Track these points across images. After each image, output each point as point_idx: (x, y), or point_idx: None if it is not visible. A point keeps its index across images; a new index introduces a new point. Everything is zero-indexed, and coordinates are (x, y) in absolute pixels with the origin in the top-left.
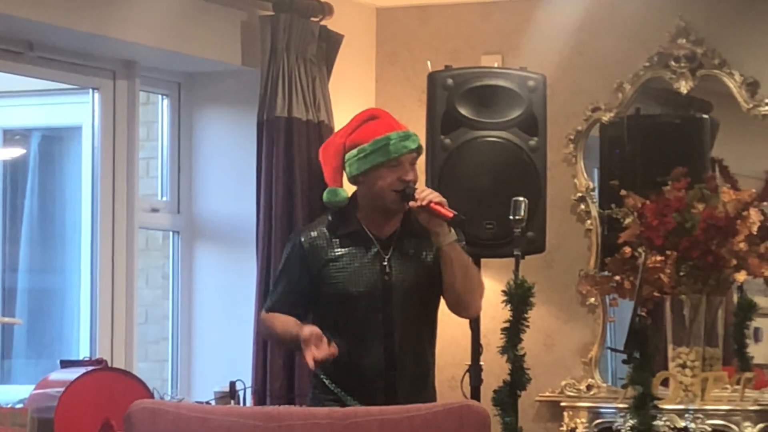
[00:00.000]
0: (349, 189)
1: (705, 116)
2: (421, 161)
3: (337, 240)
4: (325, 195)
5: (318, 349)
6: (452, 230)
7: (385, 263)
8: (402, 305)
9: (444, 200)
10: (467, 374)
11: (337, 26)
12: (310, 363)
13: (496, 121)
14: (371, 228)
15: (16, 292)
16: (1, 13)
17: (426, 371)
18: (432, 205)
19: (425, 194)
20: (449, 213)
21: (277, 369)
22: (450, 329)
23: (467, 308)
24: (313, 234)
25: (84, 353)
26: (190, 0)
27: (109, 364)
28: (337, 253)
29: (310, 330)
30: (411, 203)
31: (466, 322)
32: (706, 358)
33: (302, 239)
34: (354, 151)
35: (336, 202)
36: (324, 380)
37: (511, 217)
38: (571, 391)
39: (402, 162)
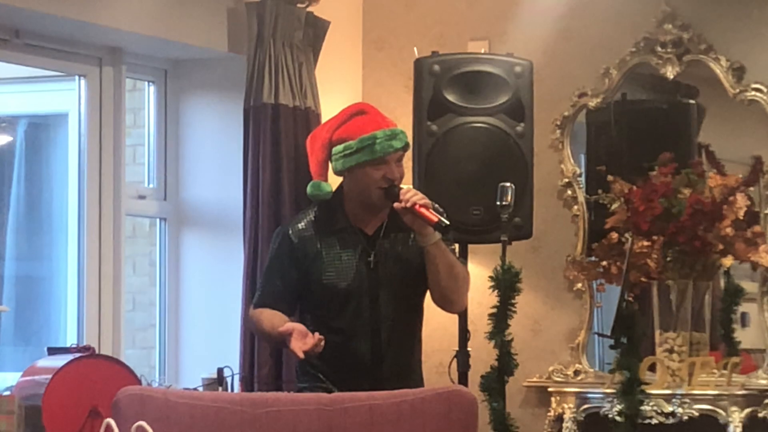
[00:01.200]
0: (333, 181)
1: (691, 101)
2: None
3: (325, 234)
4: (309, 188)
5: (304, 341)
6: (434, 231)
7: (371, 258)
8: (389, 300)
9: (429, 202)
10: (455, 360)
11: (323, 12)
12: (299, 354)
13: (483, 107)
14: (358, 223)
15: (2, 280)
16: None
17: (413, 363)
18: (417, 207)
19: (409, 195)
20: (433, 217)
21: (265, 356)
22: (437, 316)
23: (452, 305)
24: (301, 226)
25: (71, 340)
26: None
27: (97, 351)
28: (325, 248)
29: (291, 325)
30: (395, 204)
31: None
32: (693, 343)
33: (290, 232)
34: (340, 147)
35: (320, 196)
36: (310, 370)
37: (498, 203)
38: (559, 377)
39: (388, 161)
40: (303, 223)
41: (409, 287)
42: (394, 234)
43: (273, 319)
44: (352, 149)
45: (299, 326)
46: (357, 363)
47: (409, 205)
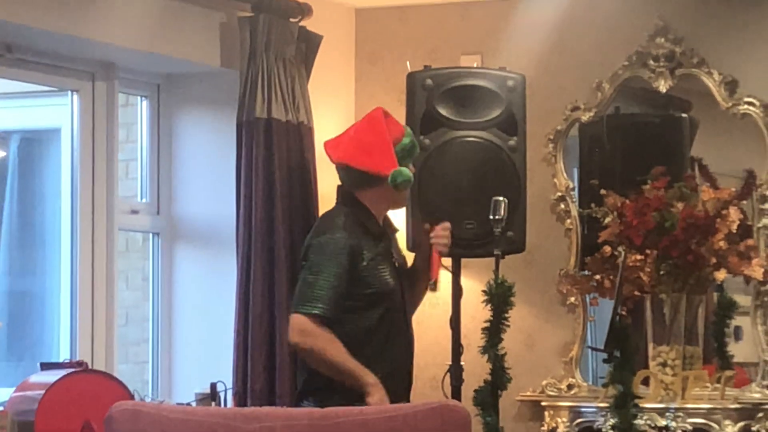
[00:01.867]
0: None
1: (684, 115)
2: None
3: (368, 240)
4: (400, 177)
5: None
6: None
7: (395, 257)
8: (407, 298)
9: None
10: (448, 374)
11: (316, 27)
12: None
13: (476, 121)
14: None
15: None
16: None
17: None
18: (433, 258)
19: (441, 238)
20: (435, 275)
21: (258, 370)
22: (431, 330)
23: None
24: (350, 233)
25: (64, 355)
26: (168, 1)
27: (90, 366)
28: (373, 251)
29: (376, 381)
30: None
31: (446, 322)
32: (686, 357)
33: (345, 237)
34: (400, 143)
35: (408, 182)
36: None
37: (491, 217)
38: (552, 391)
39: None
40: (349, 230)
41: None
42: (391, 239)
43: (346, 356)
44: (404, 146)
45: (382, 388)
46: (401, 362)
47: (440, 248)
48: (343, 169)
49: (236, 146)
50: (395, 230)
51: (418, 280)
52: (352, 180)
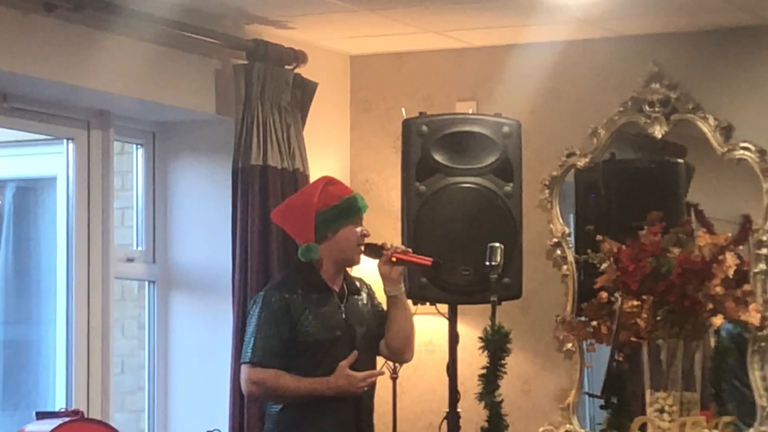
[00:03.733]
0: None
1: (680, 161)
2: (397, 208)
3: (307, 294)
4: (302, 252)
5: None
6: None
7: (343, 312)
8: (362, 347)
9: (409, 249)
10: (445, 421)
11: (311, 74)
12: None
13: (471, 167)
14: (330, 283)
15: None
16: None
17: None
18: (409, 256)
19: (394, 247)
20: (426, 261)
21: (254, 418)
22: (427, 377)
23: (408, 351)
24: (285, 288)
25: (60, 404)
26: (163, 49)
27: (86, 415)
28: (308, 306)
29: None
30: (384, 255)
31: (443, 369)
32: (684, 403)
33: (276, 293)
34: (325, 210)
35: (313, 257)
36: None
37: (487, 263)
38: None
39: (361, 219)
40: (286, 286)
41: (374, 336)
42: (353, 296)
43: (292, 377)
44: (339, 209)
45: (338, 379)
46: (344, 408)
47: (399, 254)
48: None
49: (232, 194)
50: (362, 286)
51: (396, 293)
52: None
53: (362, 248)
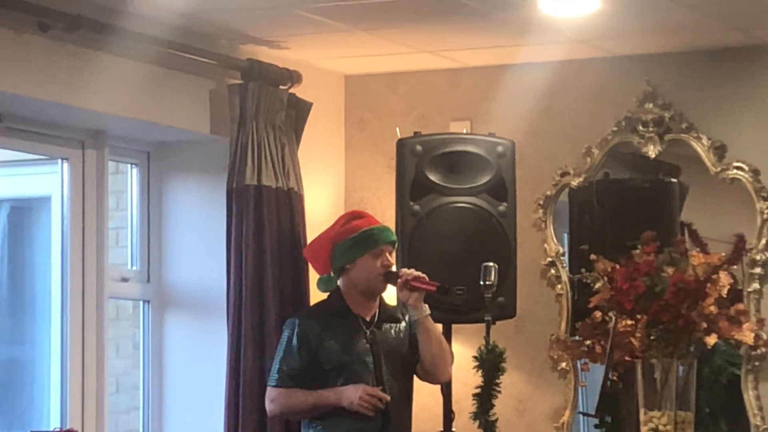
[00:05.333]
0: None
1: (674, 180)
2: (391, 227)
3: (330, 320)
4: (320, 283)
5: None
6: (426, 305)
7: (368, 336)
8: (390, 372)
9: (424, 275)
10: None
11: (305, 94)
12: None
13: (466, 186)
14: (357, 310)
15: None
16: None
17: (410, 424)
18: (415, 283)
19: (407, 272)
20: (432, 287)
21: None
22: (422, 396)
23: (441, 374)
24: (308, 316)
25: (55, 424)
26: (158, 69)
27: None
28: (330, 332)
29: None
30: (399, 282)
31: (437, 388)
32: (678, 422)
33: (299, 320)
34: (342, 242)
35: (330, 287)
36: None
37: (481, 283)
38: None
39: (383, 251)
40: (312, 313)
41: (404, 357)
42: (386, 324)
43: (304, 391)
44: (355, 241)
45: (346, 390)
46: (371, 426)
47: (409, 279)
48: None
49: (226, 213)
50: (406, 314)
51: (420, 317)
52: None
53: (382, 277)
